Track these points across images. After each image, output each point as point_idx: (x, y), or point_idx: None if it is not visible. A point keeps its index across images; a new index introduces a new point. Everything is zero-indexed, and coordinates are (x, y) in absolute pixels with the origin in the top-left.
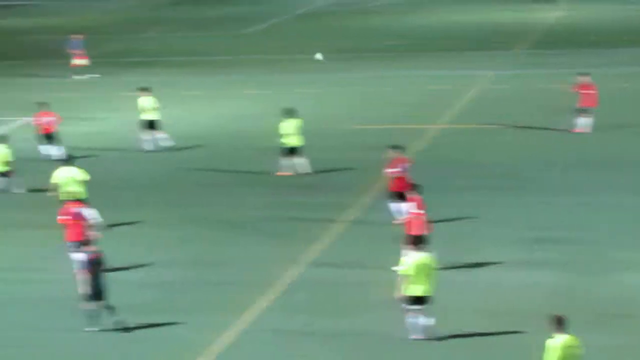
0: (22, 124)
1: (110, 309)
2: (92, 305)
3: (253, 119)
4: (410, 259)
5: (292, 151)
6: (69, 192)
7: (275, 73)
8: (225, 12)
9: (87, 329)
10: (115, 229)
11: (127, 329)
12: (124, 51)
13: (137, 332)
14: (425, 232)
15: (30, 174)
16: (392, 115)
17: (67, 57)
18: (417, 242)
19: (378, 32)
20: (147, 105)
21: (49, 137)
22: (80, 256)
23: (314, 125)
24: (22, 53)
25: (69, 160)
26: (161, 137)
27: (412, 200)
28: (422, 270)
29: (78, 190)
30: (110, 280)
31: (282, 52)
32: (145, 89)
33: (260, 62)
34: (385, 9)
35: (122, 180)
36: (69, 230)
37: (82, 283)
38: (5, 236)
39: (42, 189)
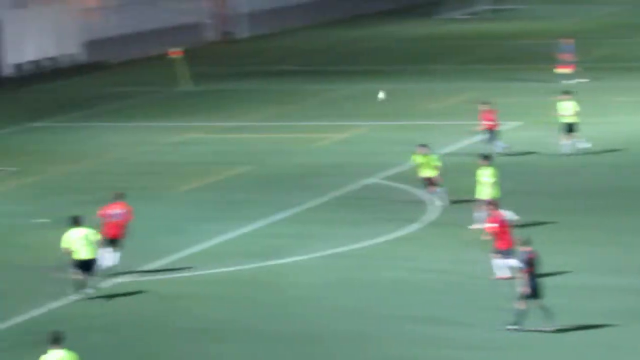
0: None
1: (546, 309)
2: (527, 304)
3: None
4: None
5: None
6: (485, 193)
7: None
8: None
9: (509, 327)
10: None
11: (559, 331)
12: (613, 56)
13: (607, 337)
14: None
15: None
16: None
17: (555, 61)
18: None
19: None
20: (568, 109)
21: (492, 134)
22: (507, 263)
23: None
24: (510, 57)
25: (490, 159)
26: (578, 141)
27: None
28: None
29: (493, 191)
30: (579, 283)
31: None
32: (567, 93)
33: None
34: None
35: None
36: (497, 237)
37: (519, 283)
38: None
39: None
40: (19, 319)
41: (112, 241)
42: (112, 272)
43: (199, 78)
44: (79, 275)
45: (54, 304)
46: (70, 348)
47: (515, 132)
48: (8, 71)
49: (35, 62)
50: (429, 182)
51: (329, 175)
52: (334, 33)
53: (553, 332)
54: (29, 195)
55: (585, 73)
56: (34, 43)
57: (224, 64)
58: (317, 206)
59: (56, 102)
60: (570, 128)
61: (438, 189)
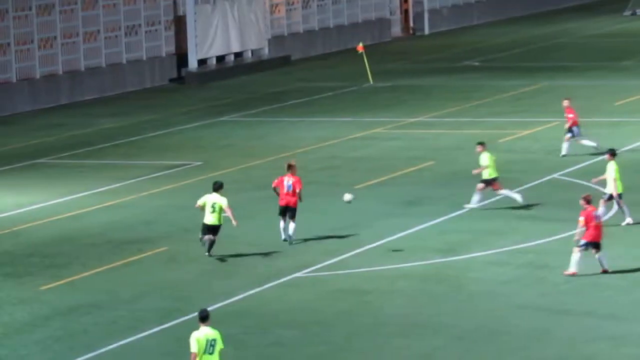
0: None
1: None
2: None
3: None
4: None
5: None
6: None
7: None
8: None
9: None
10: None
11: None
12: None
13: None
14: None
15: None
16: None
17: None
18: None
19: None
20: None
21: (577, 129)
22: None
23: None
24: None
25: (615, 154)
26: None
27: None
28: None
29: (617, 186)
30: None
31: None
32: None
33: None
34: None
35: None
36: (587, 230)
37: None
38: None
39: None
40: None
41: (286, 210)
42: (289, 242)
43: (383, 74)
44: (205, 237)
45: (234, 299)
46: (253, 343)
47: None
48: (194, 66)
49: (220, 57)
50: (489, 183)
51: (511, 172)
52: (518, 30)
53: None
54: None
55: None
56: (219, 38)
57: (408, 59)
58: (499, 202)
59: (241, 97)
60: None
61: (503, 191)
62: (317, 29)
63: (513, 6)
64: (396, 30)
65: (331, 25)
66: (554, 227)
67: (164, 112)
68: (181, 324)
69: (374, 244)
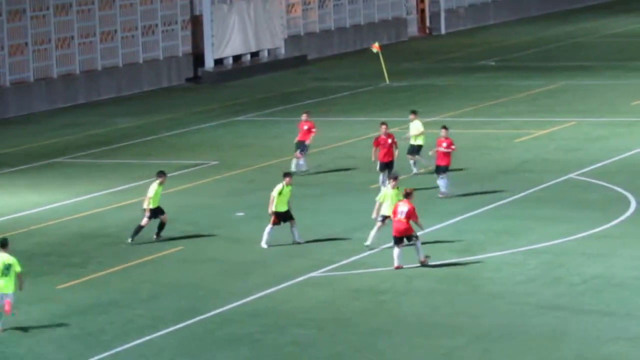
0: None
1: None
2: None
3: None
4: None
5: None
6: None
7: None
8: None
9: None
10: None
11: None
12: None
13: None
14: None
15: None
16: None
17: None
18: None
19: None
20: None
21: (304, 146)
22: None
23: None
24: None
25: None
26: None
27: None
28: None
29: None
30: None
31: None
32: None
33: None
34: None
35: None
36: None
37: None
38: None
39: None
40: (217, 311)
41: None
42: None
43: (400, 73)
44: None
45: (250, 298)
46: (270, 342)
47: None
48: (210, 66)
49: (237, 57)
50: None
51: (528, 172)
52: (535, 29)
53: None
54: (227, 189)
55: None
56: (235, 38)
57: (425, 59)
58: (514, 202)
59: (257, 96)
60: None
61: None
62: (333, 28)
63: (530, 6)
64: (413, 29)
65: (347, 25)
66: (569, 227)
67: (180, 112)
68: (198, 322)
69: (390, 244)
